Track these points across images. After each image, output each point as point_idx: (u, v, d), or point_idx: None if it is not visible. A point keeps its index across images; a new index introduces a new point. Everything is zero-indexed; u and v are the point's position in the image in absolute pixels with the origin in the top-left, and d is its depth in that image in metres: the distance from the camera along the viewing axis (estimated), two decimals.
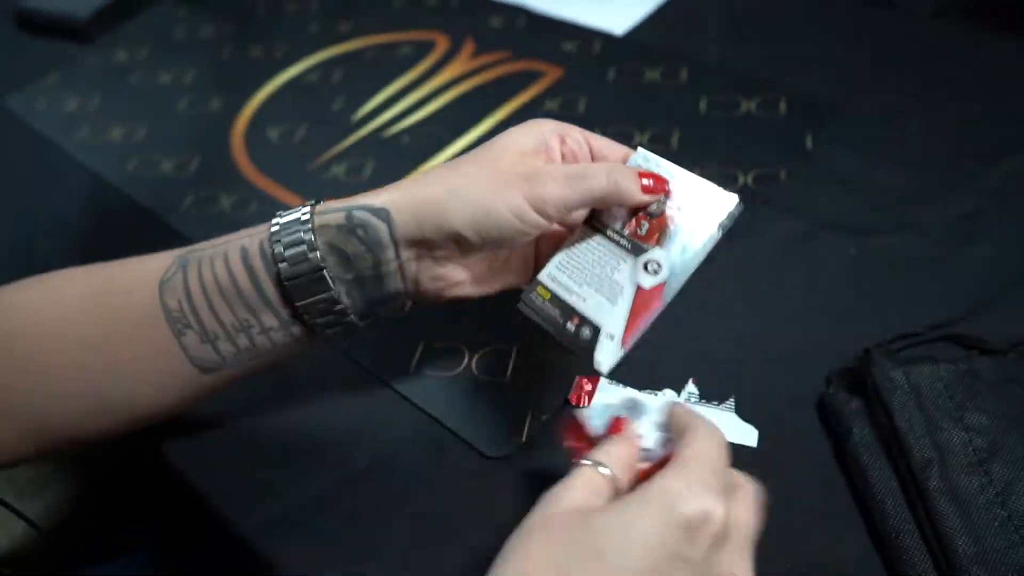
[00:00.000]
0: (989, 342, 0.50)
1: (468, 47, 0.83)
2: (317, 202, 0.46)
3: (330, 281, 0.43)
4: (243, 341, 0.45)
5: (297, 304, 0.44)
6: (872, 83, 0.70)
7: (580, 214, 0.45)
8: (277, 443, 0.53)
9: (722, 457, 0.36)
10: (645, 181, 0.43)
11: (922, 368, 0.46)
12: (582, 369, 0.53)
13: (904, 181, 0.62)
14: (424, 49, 0.84)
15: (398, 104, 0.78)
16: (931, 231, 0.58)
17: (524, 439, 0.50)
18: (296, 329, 0.45)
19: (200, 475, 0.52)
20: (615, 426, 0.40)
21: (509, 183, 0.42)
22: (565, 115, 0.72)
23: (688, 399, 0.51)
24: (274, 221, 0.44)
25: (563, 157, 0.46)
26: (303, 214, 0.44)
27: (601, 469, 0.36)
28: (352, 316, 0.45)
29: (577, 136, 0.47)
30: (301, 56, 0.86)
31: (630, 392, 0.51)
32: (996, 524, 0.40)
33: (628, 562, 0.31)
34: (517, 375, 0.53)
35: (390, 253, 0.44)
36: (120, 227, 0.73)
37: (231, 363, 0.46)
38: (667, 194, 0.44)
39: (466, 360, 0.55)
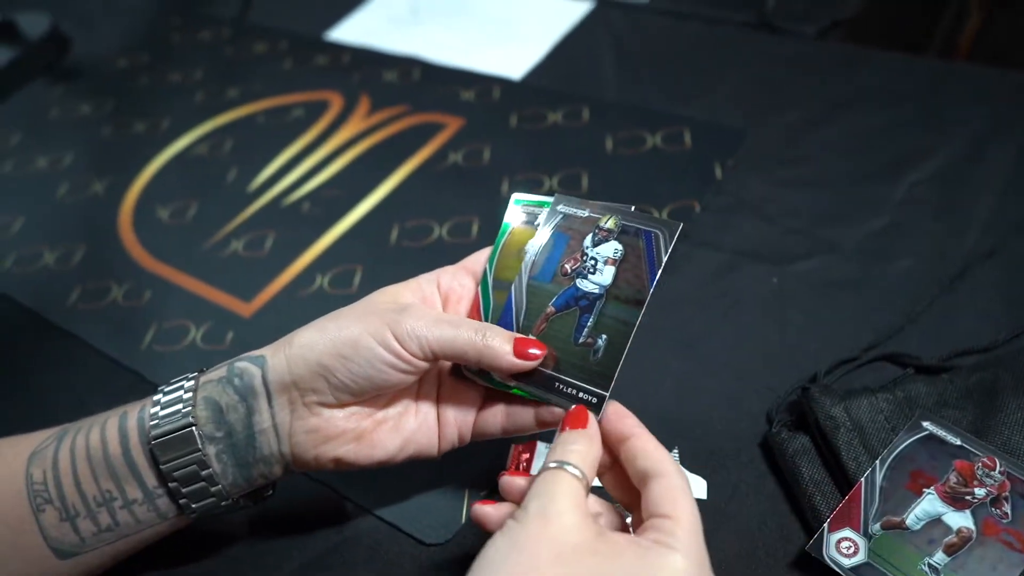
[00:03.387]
0: (923, 358, 0.49)
1: (363, 104, 0.80)
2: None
3: (199, 440, 0.40)
4: (104, 518, 0.41)
5: (162, 466, 0.40)
6: (770, 107, 0.70)
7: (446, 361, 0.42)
8: (206, 553, 0.47)
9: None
10: (531, 349, 0.40)
11: (861, 401, 0.45)
12: (516, 438, 0.49)
13: (815, 202, 0.61)
14: (318, 110, 0.80)
15: (295, 170, 0.74)
16: (848, 251, 0.57)
17: (463, 520, 0.46)
18: (162, 503, 0.41)
19: None
20: (576, 417, 0.38)
21: (374, 314, 0.40)
22: (470, 166, 0.70)
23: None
24: (164, 387, 0.42)
25: (446, 299, 0.44)
26: (193, 373, 0.42)
27: (573, 471, 0.35)
28: (221, 485, 0.41)
29: (450, 272, 0.44)
30: (187, 128, 0.82)
31: None
32: None
33: None
34: (449, 453, 0.49)
35: (263, 402, 0.41)
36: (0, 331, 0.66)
37: (90, 545, 0.41)
38: (547, 360, 0.41)
39: None
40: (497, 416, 0.43)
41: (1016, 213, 0.57)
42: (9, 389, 0.60)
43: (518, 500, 0.38)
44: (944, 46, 1.03)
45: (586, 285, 0.42)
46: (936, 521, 0.40)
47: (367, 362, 0.39)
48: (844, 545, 0.41)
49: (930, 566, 0.39)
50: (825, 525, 0.41)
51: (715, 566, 0.41)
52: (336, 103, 0.81)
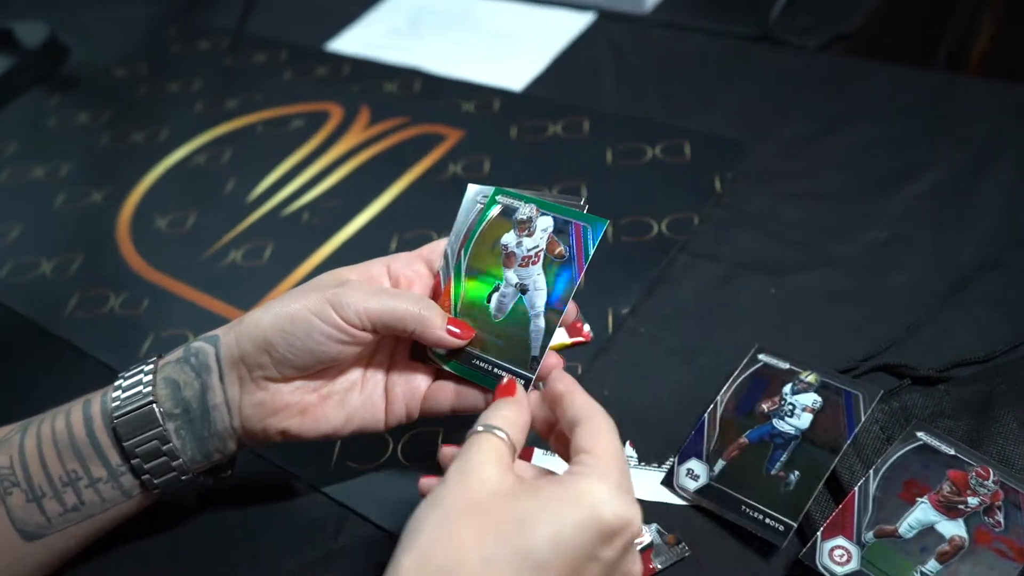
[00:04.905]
0: (919, 369, 0.51)
1: (363, 115, 0.82)
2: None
3: (159, 416, 0.44)
4: (70, 498, 0.44)
5: (125, 443, 0.44)
6: (770, 120, 0.73)
7: (389, 330, 0.44)
8: (200, 557, 0.49)
9: (624, 455, 0.38)
10: (451, 327, 0.44)
11: None
12: None
13: (813, 215, 0.63)
14: (317, 121, 0.83)
15: (295, 180, 0.76)
16: (847, 263, 0.59)
17: None
18: (125, 480, 0.45)
19: None
20: (505, 388, 0.41)
21: (315, 290, 0.44)
22: (470, 177, 0.72)
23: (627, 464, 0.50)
24: (124, 372, 0.46)
25: (396, 283, 0.47)
26: (152, 358, 0.46)
27: (498, 433, 0.38)
28: (181, 460, 0.44)
29: (403, 258, 0.48)
30: (186, 138, 0.84)
31: None
32: None
33: (553, 562, 0.33)
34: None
35: (215, 378, 0.44)
36: None
37: (56, 526, 0.45)
38: (473, 342, 0.45)
39: (391, 447, 0.53)
40: (447, 394, 0.46)
41: (1016, 227, 0.59)
42: (6, 398, 0.62)
43: None
44: (952, 61, 1.06)
45: (782, 426, 0.48)
46: (929, 530, 0.42)
47: (306, 334, 0.43)
48: (837, 553, 0.43)
49: (922, 574, 0.41)
50: (819, 533, 0.43)
51: (709, 572, 0.43)
52: (336, 114, 0.83)
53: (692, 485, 0.47)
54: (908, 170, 0.65)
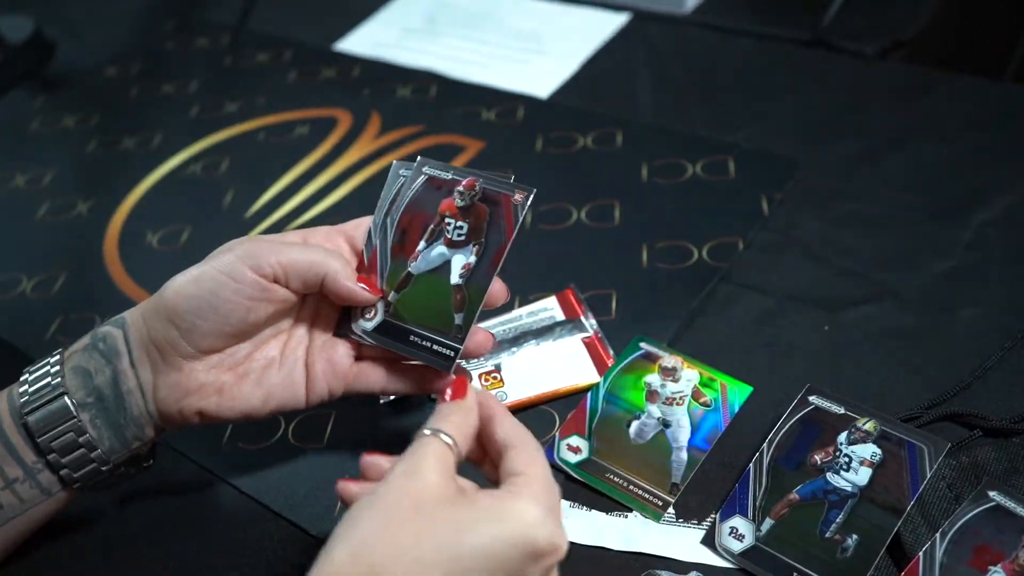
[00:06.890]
0: (991, 419, 0.50)
1: (374, 123, 0.83)
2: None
3: (72, 407, 0.45)
4: None
5: (39, 438, 0.45)
6: (824, 134, 0.72)
7: (306, 285, 0.47)
8: None
9: (555, 483, 0.41)
10: (361, 284, 0.48)
11: None
12: None
13: (872, 242, 0.63)
14: (324, 128, 0.84)
15: (298, 194, 0.77)
16: (909, 297, 0.59)
17: None
18: (43, 478, 0.47)
19: None
20: (457, 388, 0.43)
21: (222, 251, 0.47)
22: None
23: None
24: (28, 367, 0.48)
25: None
26: (57, 350, 0.48)
27: (445, 438, 0.40)
28: (100, 450, 0.46)
29: (322, 232, 0.50)
30: (181, 145, 0.85)
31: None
32: None
33: (481, 572, 0.37)
34: None
35: (125, 362, 0.46)
36: None
37: None
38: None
39: None
40: (377, 376, 0.50)
41: None
42: None
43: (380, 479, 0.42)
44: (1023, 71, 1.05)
45: (838, 481, 0.47)
46: None
47: (212, 294, 0.45)
48: None
49: None
50: None
51: None
52: (344, 121, 0.84)
53: (736, 546, 0.47)
54: (978, 193, 0.65)
